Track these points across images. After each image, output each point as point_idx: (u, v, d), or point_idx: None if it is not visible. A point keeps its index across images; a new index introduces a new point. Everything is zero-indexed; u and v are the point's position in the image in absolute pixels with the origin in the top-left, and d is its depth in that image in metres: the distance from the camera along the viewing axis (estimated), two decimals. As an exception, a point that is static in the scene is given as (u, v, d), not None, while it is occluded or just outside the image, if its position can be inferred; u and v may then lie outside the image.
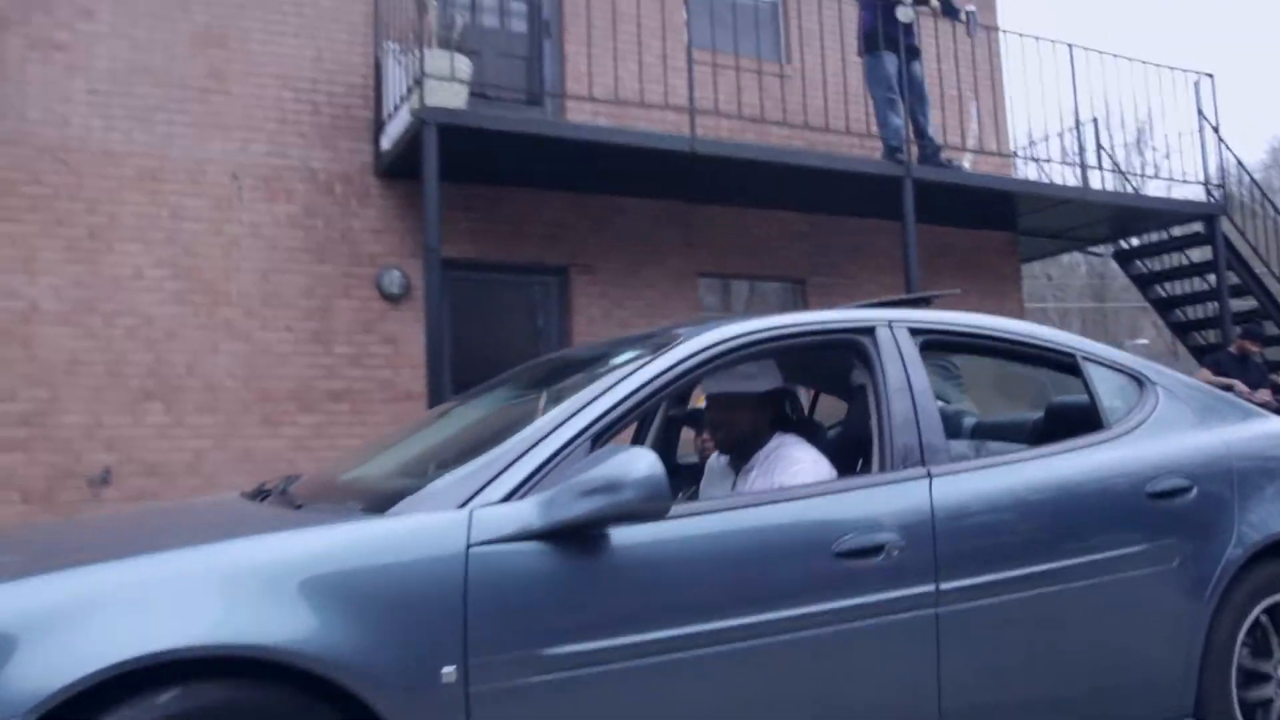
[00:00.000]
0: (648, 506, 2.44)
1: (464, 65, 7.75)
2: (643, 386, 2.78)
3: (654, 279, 9.37)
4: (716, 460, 3.64)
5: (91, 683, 1.95)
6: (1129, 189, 12.90)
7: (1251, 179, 11.71)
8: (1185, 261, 11.74)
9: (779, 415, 3.40)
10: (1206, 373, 9.08)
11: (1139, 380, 3.55)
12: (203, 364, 7.76)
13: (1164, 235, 11.63)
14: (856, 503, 2.88)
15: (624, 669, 2.45)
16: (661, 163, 8.41)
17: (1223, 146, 10.94)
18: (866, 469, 3.09)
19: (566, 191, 9.04)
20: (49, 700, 1.92)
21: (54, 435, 7.30)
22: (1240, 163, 11.59)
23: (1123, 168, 14.86)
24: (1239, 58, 53.05)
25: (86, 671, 1.95)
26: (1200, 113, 10.53)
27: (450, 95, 7.52)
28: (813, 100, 9.45)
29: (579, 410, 2.69)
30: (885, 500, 2.89)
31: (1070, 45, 9.72)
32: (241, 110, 8.12)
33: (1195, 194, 10.91)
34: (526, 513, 2.44)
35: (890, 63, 8.96)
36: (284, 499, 2.96)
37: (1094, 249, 13.17)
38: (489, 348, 8.49)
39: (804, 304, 9.97)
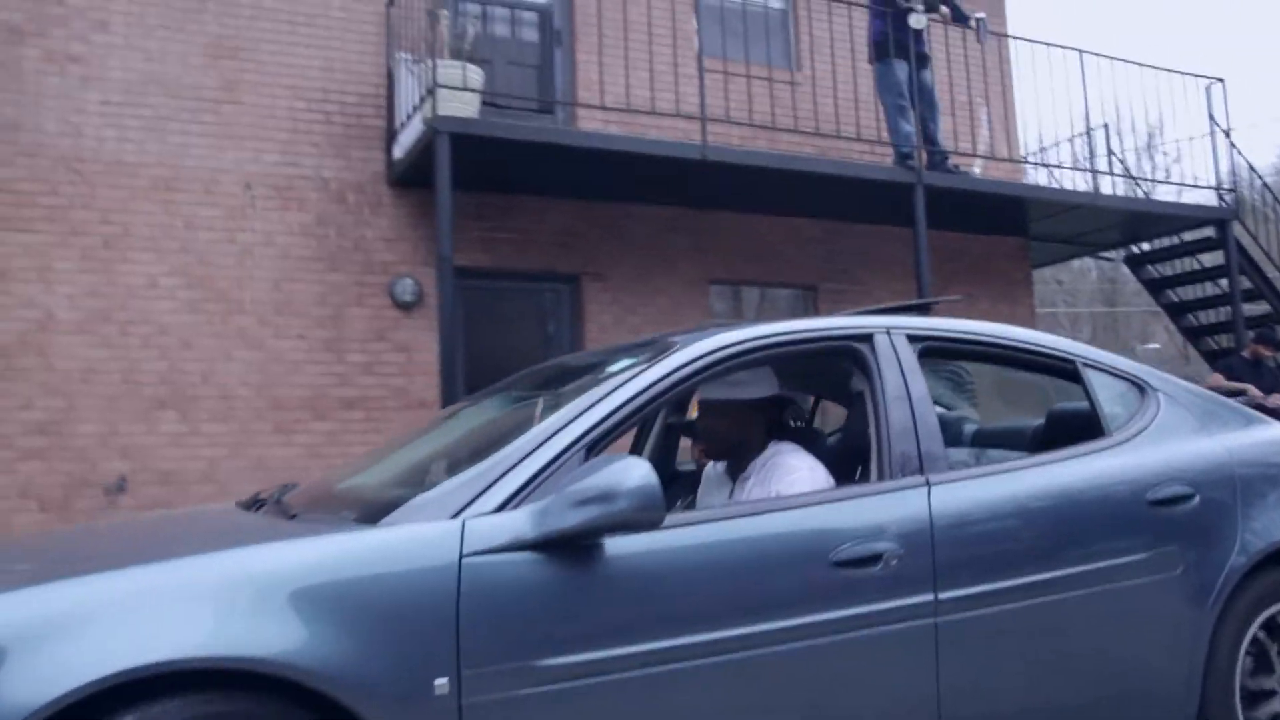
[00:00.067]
0: (641, 517, 2.42)
1: (476, 75, 7.79)
2: (637, 395, 2.77)
3: (665, 286, 9.38)
4: (714, 468, 3.61)
5: (81, 695, 1.95)
6: (1140, 194, 12.86)
7: (1264, 183, 11.66)
8: (1197, 266, 11.68)
9: (777, 423, 3.37)
10: (1219, 378, 9.04)
11: (1140, 387, 3.53)
12: (217, 372, 7.81)
13: (1175, 240, 11.57)
14: (854, 511, 2.86)
15: (619, 680, 2.43)
16: (673, 170, 8.42)
17: (1234, 151, 10.91)
18: (866, 477, 3.06)
19: (578, 199, 9.07)
20: (40, 712, 1.92)
21: (70, 444, 7.36)
22: (1252, 167, 11.56)
23: (1134, 173, 14.80)
24: (1249, 61, 52.76)
25: (76, 685, 1.95)
26: (1211, 118, 10.48)
27: (463, 105, 7.56)
28: (823, 107, 9.45)
29: (573, 419, 2.68)
30: (883, 509, 2.87)
31: (1080, 51, 9.70)
32: (254, 120, 8.18)
33: (1207, 199, 10.86)
34: (520, 523, 2.43)
35: (901, 70, 8.96)
36: (278, 509, 2.95)
37: (1105, 254, 13.12)
38: (501, 355, 8.51)
39: (815, 310, 9.97)
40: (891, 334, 3.21)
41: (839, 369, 3.43)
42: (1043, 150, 12.22)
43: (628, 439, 4.25)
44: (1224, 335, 11.36)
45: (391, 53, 8.57)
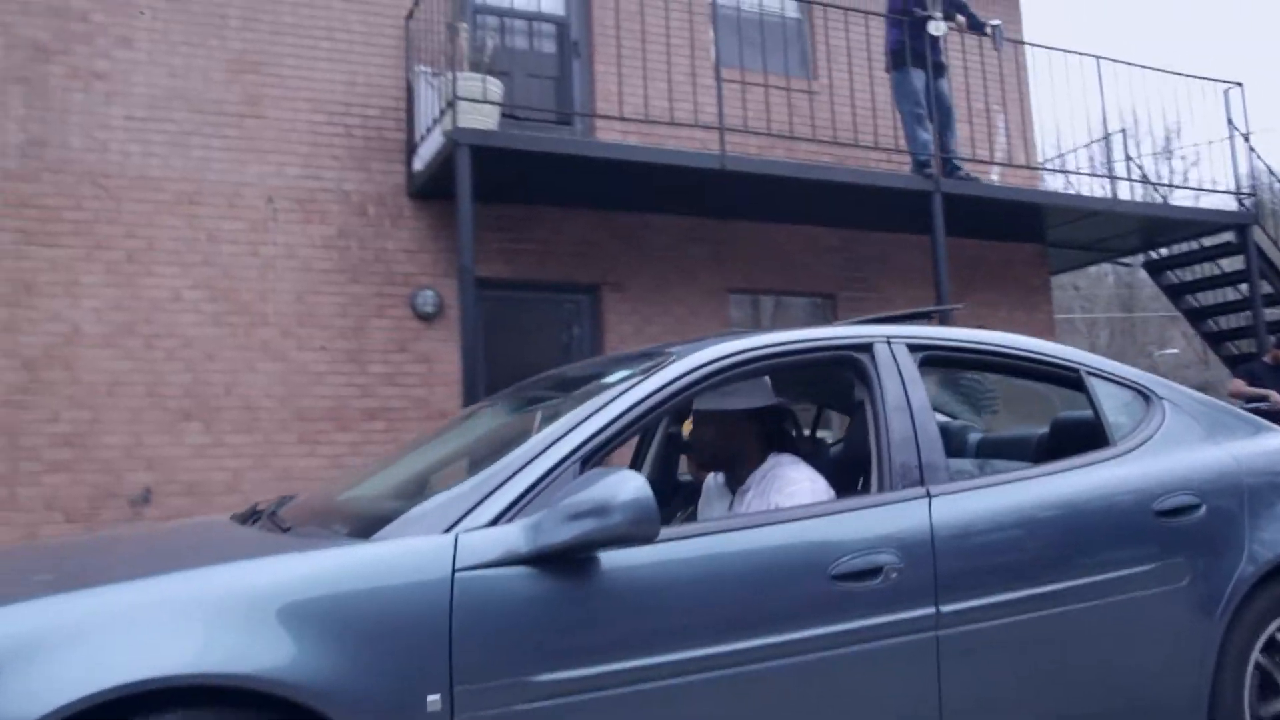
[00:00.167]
0: (636, 530, 2.37)
1: (495, 87, 7.84)
2: (634, 407, 2.74)
3: (684, 295, 9.40)
4: (714, 480, 3.58)
5: (70, 713, 1.93)
6: (1158, 199, 12.78)
7: (1284, 187, 11.58)
8: (1217, 271, 11.59)
9: (775, 434, 3.35)
10: (1240, 383, 8.99)
11: (1145, 395, 3.49)
12: (240, 384, 7.89)
13: (1195, 245, 11.48)
14: (853, 524, 2.81)
15: (614, 696, 2.40)
16: (691, 180, 8.44)
17: (1253, 155, 10.84)
18: (867, 488, 3.02)
19: (597, 210, 9.11)
20: None
21: (96, 456, 7.45)
22: (1271, 170, 11.46)
23: (1151, 178, 14.70)
24: (1267, 65, 52.21)
25: (64, 702, 1.93)
26: (1230, 122, 10.42)
27: (482, 117, 7.61)
28: (841, 116, 9.45)
29: (568, 432, 2.65)
30: (883, 521, 2.83)
31: (1098, 58, 9.65)
32: (276, 134, 8.26)
33: (1226, 203, 10.79)
34: (513, 537, 2.41)
35: (918, 78, 8.95)
36: (273, 522, 2.92)
37: (1124, 260, 13.04)
38: (521, 365, 8.50)
39: (834, 318, 9.95)
40: (892, 343, 3.18)
41: (842, 379, 3.39)
42: (1060, 157, 12.17)
43: (629, 451, 4.27)
44: (1245, 340, 11.27)
45: (411, 66, 8.64)
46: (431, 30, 8.25)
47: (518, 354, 8.80)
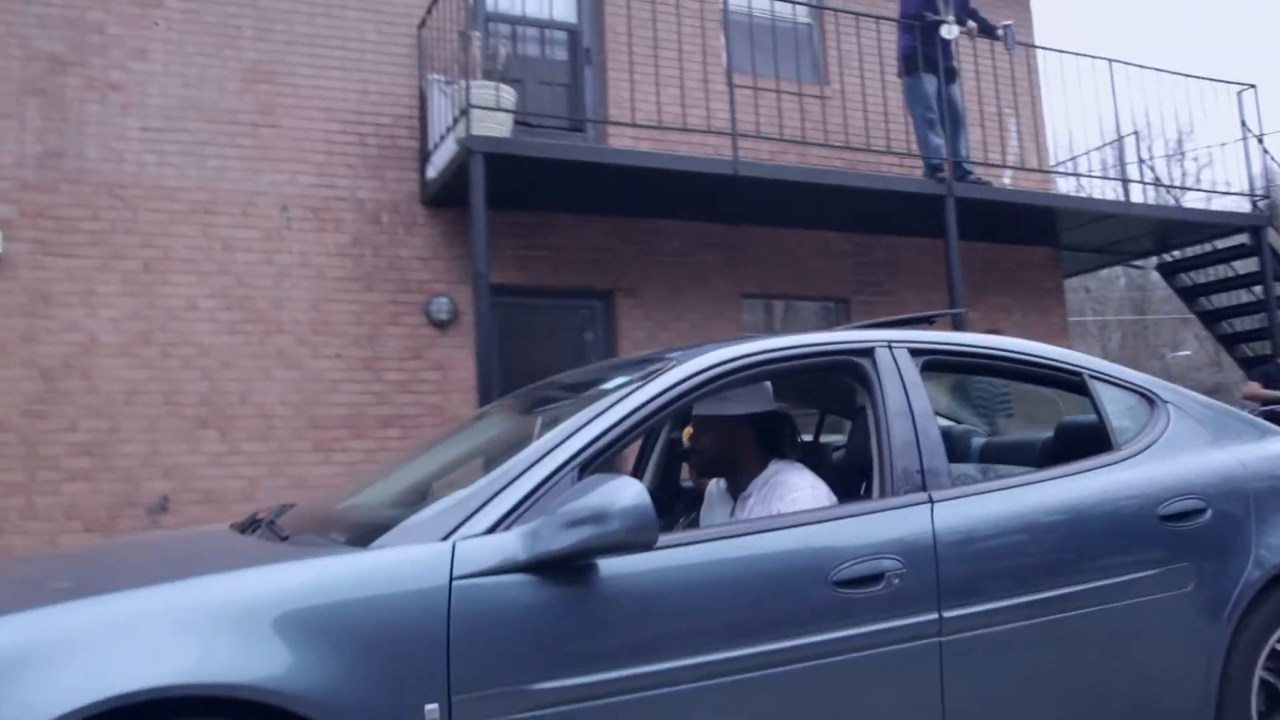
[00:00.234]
0: (634, 537, 2.35)
1: (508, 95, 7.86)
2: (632, 413, 2.72)
3: (697, 301, 9.42)
4: (716, 487, 3.57)
5: None
6: (1171, 202, 12.72)
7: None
8: (1231, 273, 11.52)
9: (776, 440, 3.33)
10: (1256, 385, 8.94)
11: (1149, 399, 3.46)
12: (256, 392, 7.94)
13: (1209, 247, 11.40)
14: (855, 530, 2.79)
15: (614, 704, 2.38)
16: (704, 186, 8.46)
17: (1267, 157, 10.77)
18: (869, 493, 3.00)
19: (610, 216, 9.13)
20: None
21: (114, 465, 7.50)
22: (1286, 172, 11.41)
23: (1164, 180, 14.63)
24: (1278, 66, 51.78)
25: (60, 713, 1.92)
26: (1244, 124, 10.36)
27: (496, 124, 7.63)
28: (853, 121, 9.44)
29: (566, 438, 2.63)
30: (885, 527, 2.81)
31: (1110, 61, 9.62)
32: (290, 143, 8.32)
33: (1239, 205, 10.74)
34: (511, 545, 2.39)
35: (930, 83, 8.95)
36: (272, 530, 2.91)
37: (1137, 262, 12.98)
38: (536, 372, 8.53)
39: (847, 323, 9.94)
40: (893, 348, 3.16)
41: (844, 384, 3.36)
42: (1073, 160, 12.13)
43: (632, 456, 4.28)
44: (1259, 342, 11.19)
45: (424, 74, 8.69)
46: (444, 39, 8.29)
47: (532, 360, 8.81)
